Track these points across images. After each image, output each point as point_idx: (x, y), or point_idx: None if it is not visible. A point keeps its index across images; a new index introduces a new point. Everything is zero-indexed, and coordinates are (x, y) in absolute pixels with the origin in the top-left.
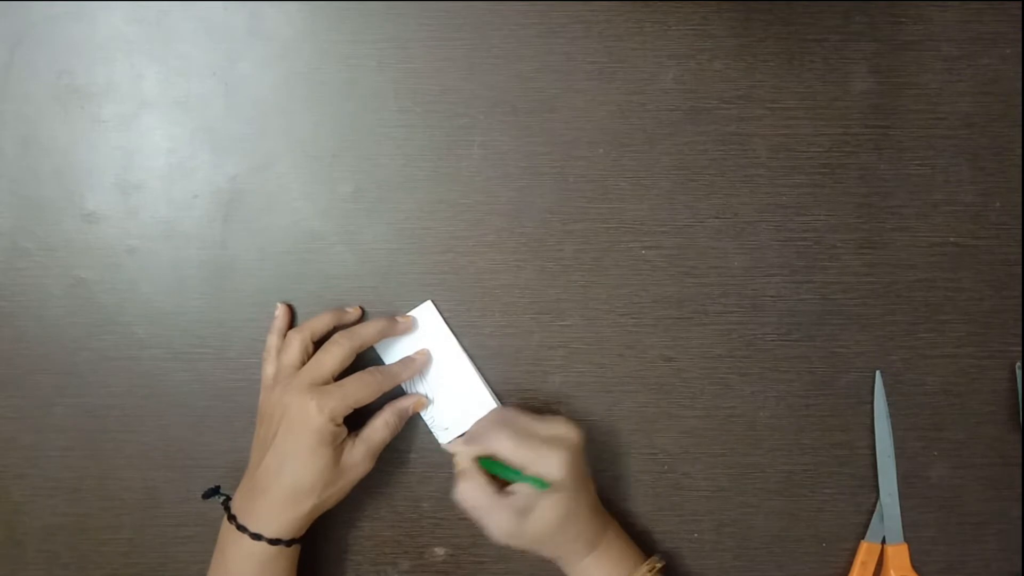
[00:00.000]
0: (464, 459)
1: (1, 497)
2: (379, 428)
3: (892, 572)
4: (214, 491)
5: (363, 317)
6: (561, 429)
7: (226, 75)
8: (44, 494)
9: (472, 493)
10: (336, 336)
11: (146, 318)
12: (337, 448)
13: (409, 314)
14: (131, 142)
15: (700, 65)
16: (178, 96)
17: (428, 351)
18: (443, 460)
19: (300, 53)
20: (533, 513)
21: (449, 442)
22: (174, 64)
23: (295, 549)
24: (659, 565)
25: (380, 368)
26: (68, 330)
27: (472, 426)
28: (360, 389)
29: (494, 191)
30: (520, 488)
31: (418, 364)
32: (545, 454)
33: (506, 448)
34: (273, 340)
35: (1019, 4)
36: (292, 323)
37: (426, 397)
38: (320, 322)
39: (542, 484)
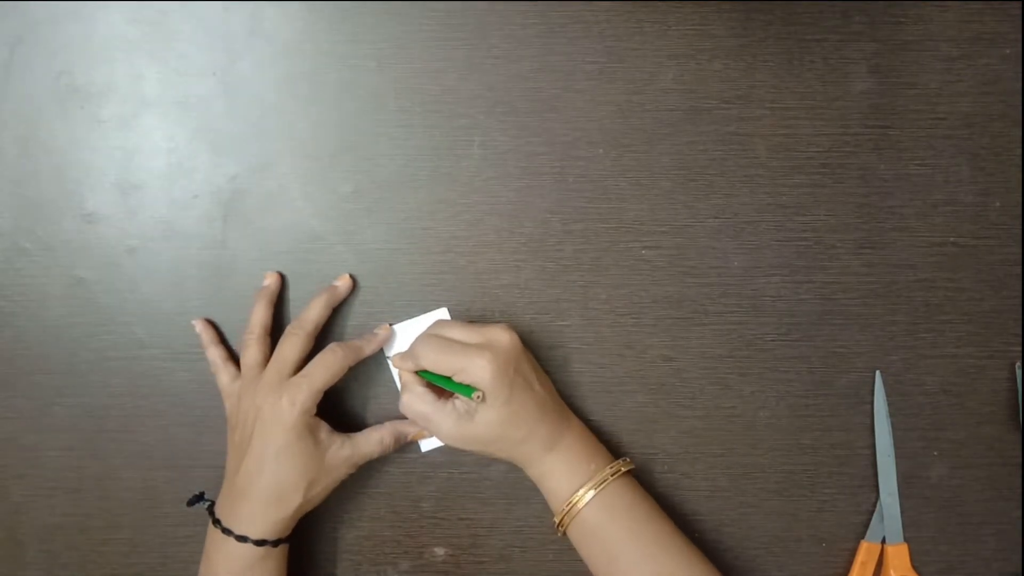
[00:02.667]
0: (404, 373)
1: (1, 497)
2: (371, 442)
3: (892, 572)
4: (198, 498)
5: (355, 287)
6: (490, 335)
7: (226, 75)
8: (44, 494)
9: (413, 403)
10: (289, 328)
11: (146, 318)
12: (319, 443)
13: (422, 317)
14: (131, 142)
15: (700, 65)
16: (178, 96)
17: (391, 327)
18: (443, 460)
19: (300, 53)
20: (475, 416)
21: (390, 357)
22: (174, 64)
23: (283, 549)
24: (625, 469)
25: (341, 344)
26: (68, 330)
27: (412, 342)
28: (325, 371)
29: (494, 191)
30: (459, 394)
31: (380, 338)
32: (470, 361)
33: (431, 361)
34: (213, 352)
35: (1019, 4)
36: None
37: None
38: (313, 312)
39: (468, 391)
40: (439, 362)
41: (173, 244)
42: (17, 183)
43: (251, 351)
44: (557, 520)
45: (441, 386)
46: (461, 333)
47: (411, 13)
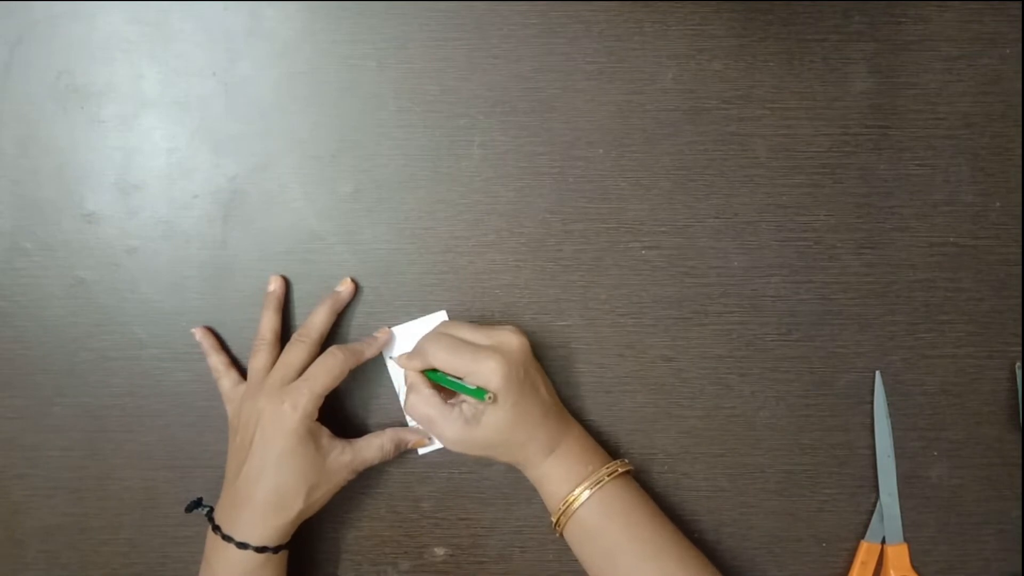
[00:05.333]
0: (411, 373)
1: (1, 497)
2: (372, 448)
3: (892, 572)
4: (196, 503)
5: (357, 290)
6: (500, 337)
7: (226, 75)
8: (44, 494)
9: (419, 406)
10: (295, 335)
11: (146, 318)
12: (321, 448)
13: (421, 319)
14: (131, 142)
15: (700, 65)
16: (178, 96)
17: (390, 330)
18: (443, 460)
19: (300, 53)
20: (481, 420)
21: (392, 357)
22: (174, 64)
23: (282, 556)
24: (622, 470)
25: (342, 347)
26: (68, 330)
27: (418, 341)
28: (326, 375)
29: (494, 191)
30: (468, 396)
31: (380, 341)
32: (480, 363)
33: (441, 360)
34: (215, 359)
35: (1019, 4)
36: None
37: (429, 439)
38: (318, 318)
39: (480, 394)
40: (450, 362)
41: (173, 244)
42: (17, 183)
43: (260, 356)
44: (554, 520)
45: (450, 387)
46: (471, 334)
47: (411, 13)
